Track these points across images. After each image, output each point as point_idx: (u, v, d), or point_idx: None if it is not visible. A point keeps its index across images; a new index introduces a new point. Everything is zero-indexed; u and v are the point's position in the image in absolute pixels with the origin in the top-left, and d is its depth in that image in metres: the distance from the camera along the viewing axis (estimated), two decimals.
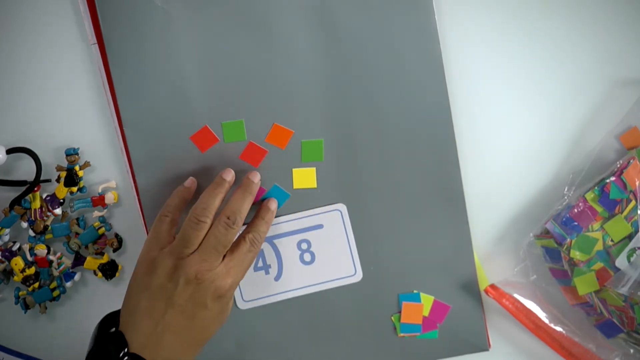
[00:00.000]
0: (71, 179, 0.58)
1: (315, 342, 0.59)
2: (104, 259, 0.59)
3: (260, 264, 0.58)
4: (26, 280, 0.59)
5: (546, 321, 0.57)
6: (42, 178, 0.58)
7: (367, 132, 0.56)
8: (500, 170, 0.58)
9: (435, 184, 0.57)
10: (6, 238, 0.59)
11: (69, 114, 0.59)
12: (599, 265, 0.54)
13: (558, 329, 0.57)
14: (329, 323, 0.59)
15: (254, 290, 0.58)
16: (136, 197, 0.58)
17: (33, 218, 0.58)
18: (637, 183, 0.54)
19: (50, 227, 0.59)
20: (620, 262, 0.54)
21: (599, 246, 0.54)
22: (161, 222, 0.53)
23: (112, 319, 0.52)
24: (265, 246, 0.58)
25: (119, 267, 0.60)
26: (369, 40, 0.55)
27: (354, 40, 0.55)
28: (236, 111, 0.56)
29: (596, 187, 0.54)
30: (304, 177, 0.57)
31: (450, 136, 0.56)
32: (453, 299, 0.58)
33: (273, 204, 0.56)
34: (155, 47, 0.56)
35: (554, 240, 0.55)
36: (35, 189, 0.58)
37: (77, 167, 0.58)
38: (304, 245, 0.58)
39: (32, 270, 0.59)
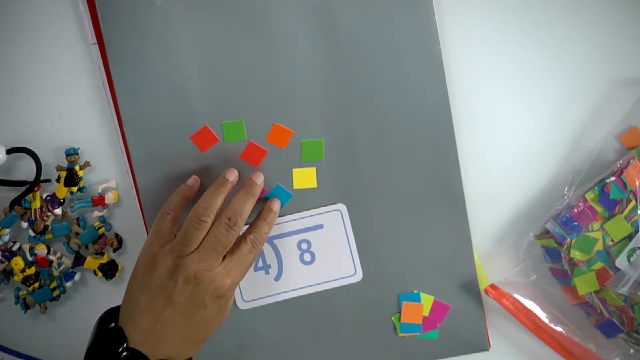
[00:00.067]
0: (71, 179, 0.58)
1: (315, 342, 0.59)
2: (104, 259, 0.59)
3: (260, 264, 0.58)
4: (26, 280, 0.59)
5: (546, 321, 0.57)
6: (42, 178, 0.58)
7: (367, 132, 0.56)
8: (500, 170, 0.58)
9: (435, 184, 0.57)
10: (6, 238, 0.59)
11: (69, 114, 0.59)
12: (599, 265, 0.54)
13: (558, 329, 0.57)
14: (329, 323, 0.59)
15: (254, 290, 0.58)
16: (136, 197, 0.58)
17: (33, 218, 0.58)
18: (637, 183, 0.54)
19: (50, 227, 0.59)
20: (620, 262, 0.54)
21: (599, 246, 0.54)
22: (163, 220, 0.53)
23: (112, 314, 0.53)
24: (265, 246, 0.58)
25: (119, 267, 0.60)
26: (369, 40, 0.55)
27: (354, 40, 0.55)
28: (236, 111, 0.56)
29: (596, 187, 0.54)
30: (304, 177, 0.57)
31: (450, 136, 0.56)
32: (453, 299, 0.58)
33: (276, 205, 0.56)
34: (155, 47, 0.56)
35: (554, 240, 0.55)
36: (35, 189, 0.58)
37: (77, 167, 0.58)
38: (304, 245, 0.58)
39: (32, 270, 0.59)
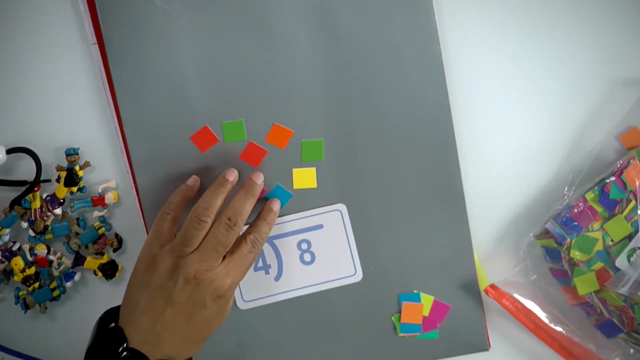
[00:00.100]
0: (71, 179, 0.58)
1: (315, 342, 0.59)
2: (104, 259, 0.59)
3: (260, 264, 0.58)
4: (26, 280, 0.59)
5: (546, 321, 0.57)
6: (42, 178, 0.58)
7: (367, 132, 0.56)
8: (500, 170, 0.58)
9: (435, 184, 0.57)
10: (6, 238, 0.59)
11: (69, 114, 0.59)
12: (599, 265, 0.54)
13: (558, 329, 0.57)
14: (329, 323, 0.59)
15: (254, 290, 0.58)
16: (136, 197, 0.58)
17: (33, 218, 0.58)
18: (637, 183, 0.54)
19: (50, 227, 0.59)
20: (620, 262, 0.54)
21: (599, 246, 0.54)
22: (162, 220, 0.53)
23: (112, 314, 0.53)
24: (265, 246, 0.58)
25: (119, 267, 0.60)
26: (369, 40, 0.55)
27: (354, 40, 0.55)
28: (236, 111, 0.56)
29: (596, 187, 0.54)
30: (304, 177, 0.57)
31: (450, 136, 0.56)
32: (453, 299, 0.58)
33: (276, 205, 0.56)
34: (155, 47, 0.56)
35: (554, 240, 0.55)
36: (35, 189, 0.58)
37: (77, 167, 0.58)
38: (304, 245, 0.58)
39: (32, 270, 0.59)
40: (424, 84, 0.56)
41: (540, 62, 0.57)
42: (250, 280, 0.58)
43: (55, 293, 0.59)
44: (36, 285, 0.59)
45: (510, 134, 0.57)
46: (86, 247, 0.59)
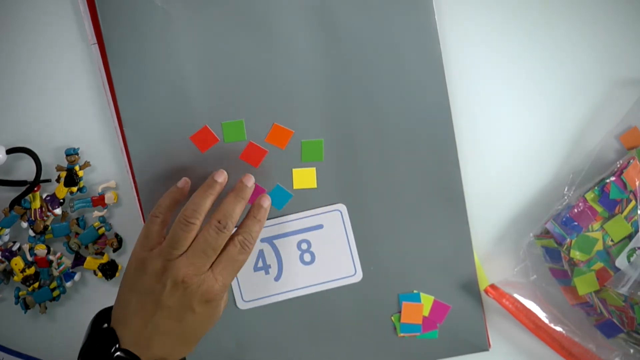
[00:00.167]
0: (71, 179, 0.58)
1: (315, 342, 0.59)
2: (104, 259, 0.59)
3: (260, 264, 0.58)
4: (26, 280, 0.59)
5: (546, 321, 0.57)
6: (42, 178, 0.58)
7: (367, 132, 0.56)
8: (500, 170, 0.58)
9: (435, 184, 0.57)
10: (6, 238, 0.59)
11: (69, 114, 0.59)
12: (599, 265, 0.54)
13: (558, 329, 0.57)
14: (329, 323, 0.59)
15: (254, 290, 0.58)
16: (136, 197, 0.58)
17: (33, 218, 0.58)
18: (637, 183, 0.54)
19: (50, 227, 0.59)
20: (620, 262, 0.54)
21: (599, 246, 0.54)
22: (152, 223, 0.52)
23: (106, 314, 0.53)
24: (265, 246, 0.58)
25: (119, 267, 0.60)
26: (369, 40, 0.55)
27: (354, 40, 0.55)
28: (236, 111, 0.56)
29: (596, 187, 0.54)
30: (304, 177, 0.57)
31: (450, 136, 0.56)
32: (453, 299, 0.58)
33: (266, 201, 0.54)
34: (155, 47, 0.56)
35: (554, 240, 0.55)
36: (35, 189, 0.58)
37: (77, 167, 0.58)
38: (304, 246, 0.58)
39: (32, 270, 0.59)
40: (424, 84, 0.56)
41: (540, 62, 0.57)
42: (250, 280, 0.58)
43: (55, 293, 0.59)
44: (36, 285, 0.59)
45: (510, 134, 0.57)
46: (86, 247, 0.59)
